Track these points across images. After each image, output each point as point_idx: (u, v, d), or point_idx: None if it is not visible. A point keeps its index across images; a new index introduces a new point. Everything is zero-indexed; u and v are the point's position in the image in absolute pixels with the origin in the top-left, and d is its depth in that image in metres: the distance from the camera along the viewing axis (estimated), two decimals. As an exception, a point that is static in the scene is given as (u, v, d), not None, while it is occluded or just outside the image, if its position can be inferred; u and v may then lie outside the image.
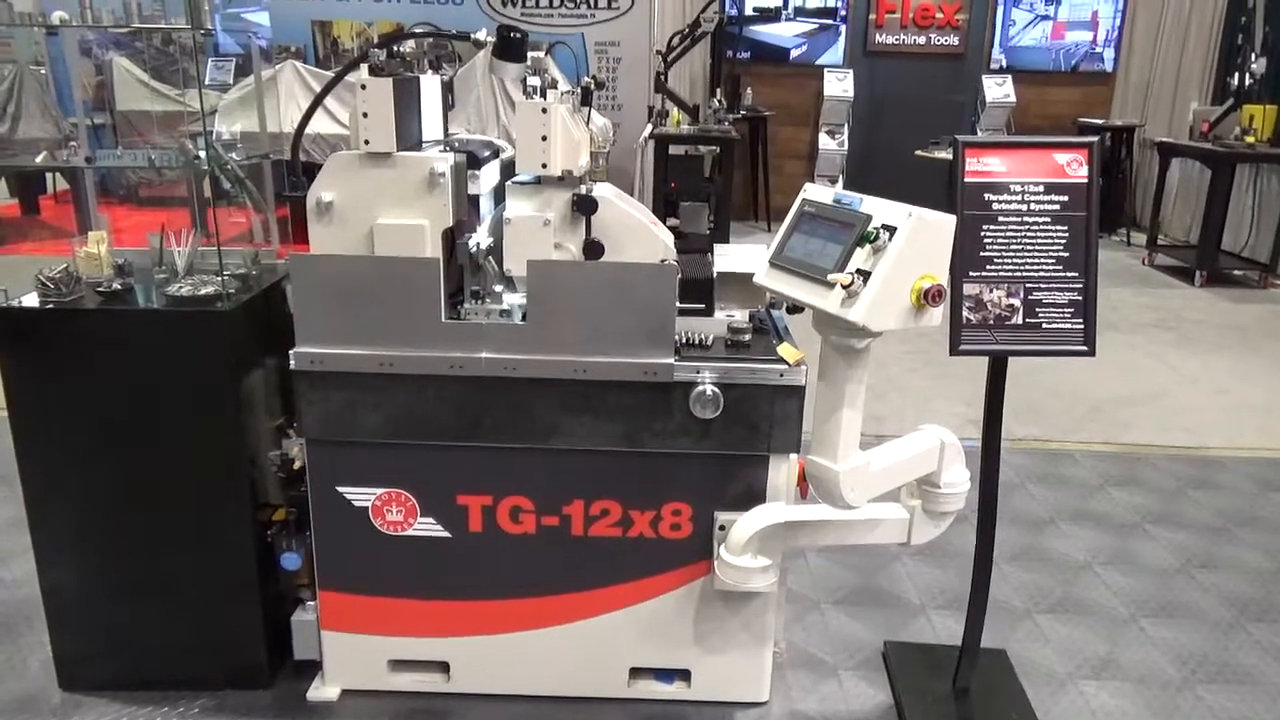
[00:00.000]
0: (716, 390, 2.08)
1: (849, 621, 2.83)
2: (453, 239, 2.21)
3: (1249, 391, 4.98)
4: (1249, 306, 6.79)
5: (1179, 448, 4.20)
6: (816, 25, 9.38)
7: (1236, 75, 8.24)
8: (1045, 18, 9.28)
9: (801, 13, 9.34)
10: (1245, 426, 4.48)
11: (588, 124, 2.26)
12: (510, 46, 2.23)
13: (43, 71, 7.60)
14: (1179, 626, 2.85)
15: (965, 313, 2.09)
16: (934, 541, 2.29)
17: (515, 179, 2.21)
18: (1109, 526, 3.45)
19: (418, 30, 2.44)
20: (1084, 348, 2.11)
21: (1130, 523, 3.49)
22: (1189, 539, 3.37)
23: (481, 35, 2.27)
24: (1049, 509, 3.57)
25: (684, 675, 2.38)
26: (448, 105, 2.51)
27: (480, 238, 2.21)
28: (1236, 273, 7.59)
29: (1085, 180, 2.09)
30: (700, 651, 2.33)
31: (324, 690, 2.37)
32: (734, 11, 8.95)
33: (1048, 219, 2.09)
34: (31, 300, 2.18)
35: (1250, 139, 7.22)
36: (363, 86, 2.06)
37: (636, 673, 2.38)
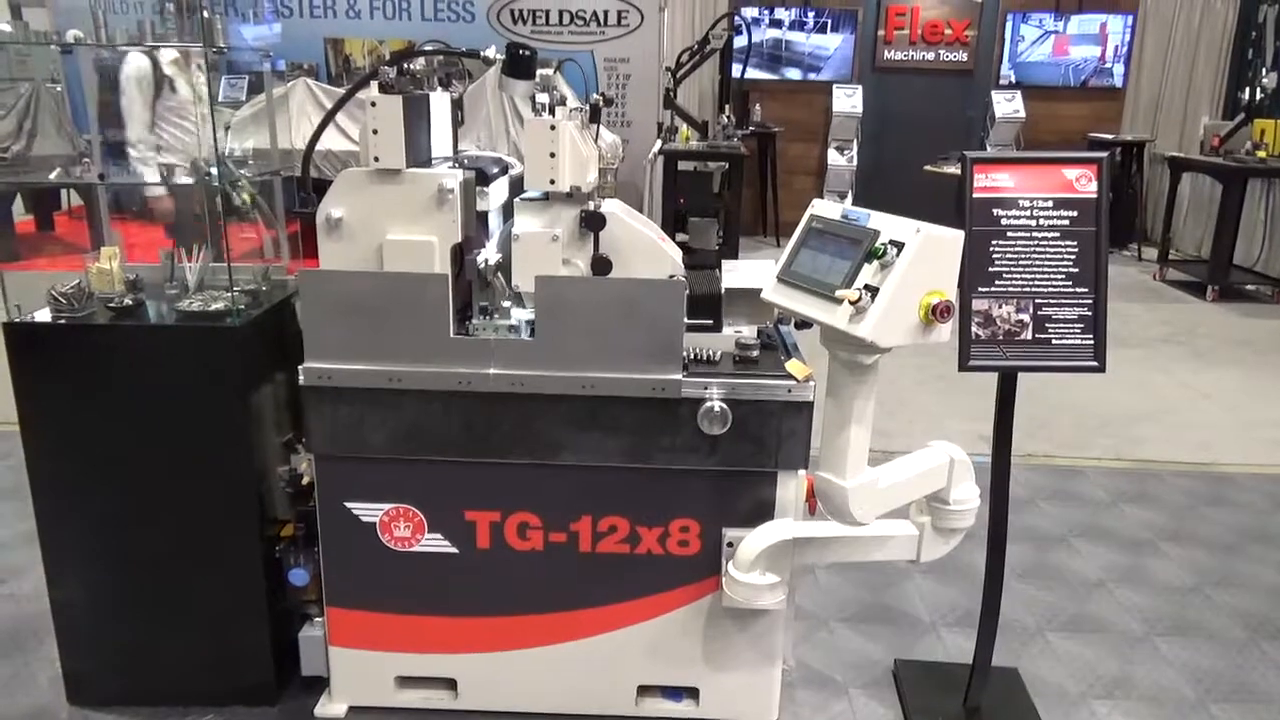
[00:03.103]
0: (724, 406, 2.07)
1: (858, 639, 2.81)
2: (461, 255, 2.22)
3: (1261, 407, 4.94)
4: (1261, 321, 6.76)
5: (1191, 464, 4.17)
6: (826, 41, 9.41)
7: (1247, 90, 8.23)
8: (1054, 33, 9.29)
9: (810, 28, 9.37)
10: (1258, 442, 4.45)
11: (596, 140, 2.27)
12: (520, 64, 2.24)
13: (59, 89, 7.67)
14: (1193, 645, 2.82)
15: (974, 328, 2.08)
16: (944, 558, 2.27)
17: (524, 195, 2.22)
18: (1121, 543, 3.43)
19: (428, 48, 2.46)
20: (1094, 363, 2.10)
21: (1143, 540, 3.46)
22: (1202, 556, 3.34)
23: (491, 53, 2.28)
24: (1060, 526, 3.55)
25: (692, 693, 2.36)
26: (457, 122, 2.52)
27: (489, 253, 2.22)
28: (1249, 287, 7.56)
29: (1095, 195, 2.09)
30: (708, 669, 2.32)
31: (331, 707, 2.36)
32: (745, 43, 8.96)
33: (1057, 234, 2.09)
34: (44, 315, 2.19)
35: (1261, 154, 7.20)
36: (373, 104, 2.08)
37: (644, 690, 2.37)
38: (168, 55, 4.84)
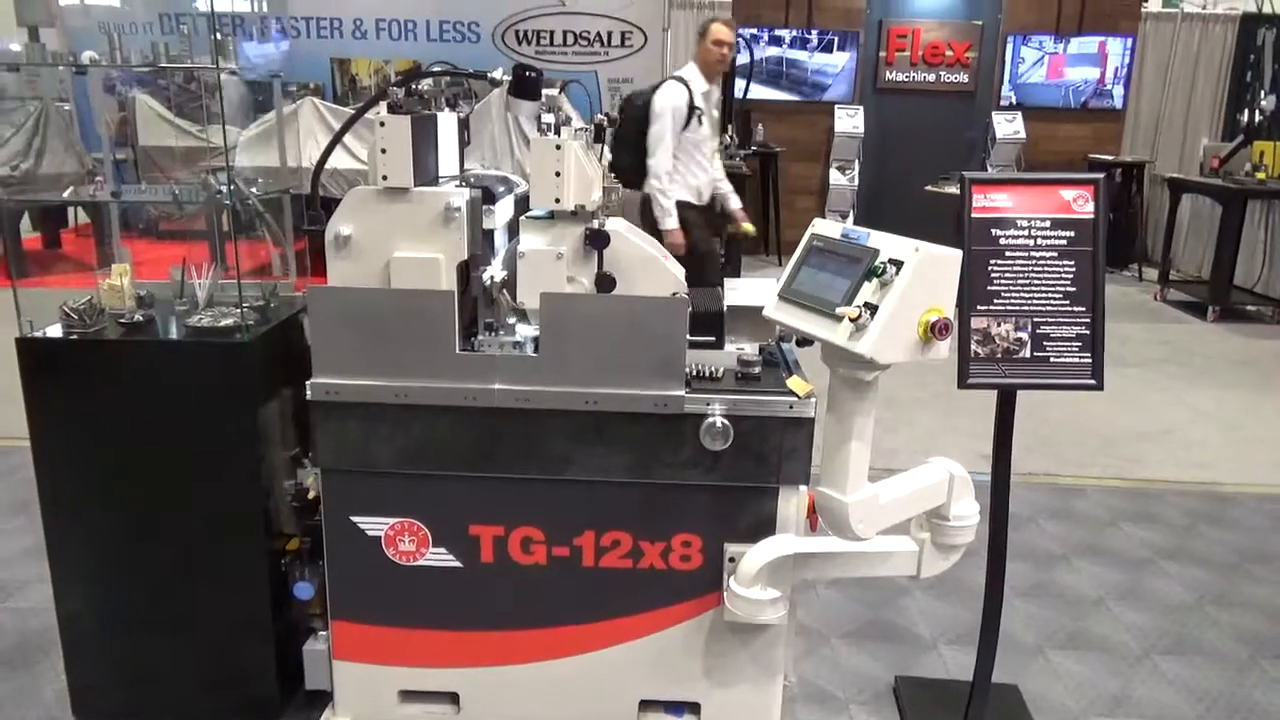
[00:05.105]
0: (726, 422, 2.09)
1: (859, 656, 2.81)
2: (467, 272, 2.25)
3: (1262, 427, 4.96)
4: (1261, 342, 6.77)
5: (1191, 483, 4.18)
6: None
7: (1246, 112, 8.28)
8: (1054, 54, 9.37)
9: (814, 47, 9.45)
10: (1258, 462, 4.46)
11: (600, 160, 2.30)
12: (525, 84, 2.28)
13: (67, 108, 7.74)
14: (1193, 664, 2.82)
15: (973, 346, 2.11)
16: (944, 575, 2.28)
17: (529, 213, 2.26)
18: (1121, 562, 3.43)
19: (435, 69, 2.50)
20: (1092, 382, 2.12)
21: (1143, 558, 3.46)
22: (1202, 575, 3.35)
23: (498, 74, 2.32)
24: (1060, 544, 3.56)
25: (694, 709, 2.37)
26: (463, 141, 2.56)
27: (494, 271, 2.25)
28: (1249, 308, 7.58)
29: (1092, 216, 2.12)
30: (710, 684, 2.33)
31: (334, 720, 2.38)
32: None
33: (1054, 254, 2.12)
34: (56, 331, 2.22)
35: (1261, 175, 7.25)
36: (381, 124, 2.11)
37: (646, 705, 2.37)
38: (700, 87, 4.67)
